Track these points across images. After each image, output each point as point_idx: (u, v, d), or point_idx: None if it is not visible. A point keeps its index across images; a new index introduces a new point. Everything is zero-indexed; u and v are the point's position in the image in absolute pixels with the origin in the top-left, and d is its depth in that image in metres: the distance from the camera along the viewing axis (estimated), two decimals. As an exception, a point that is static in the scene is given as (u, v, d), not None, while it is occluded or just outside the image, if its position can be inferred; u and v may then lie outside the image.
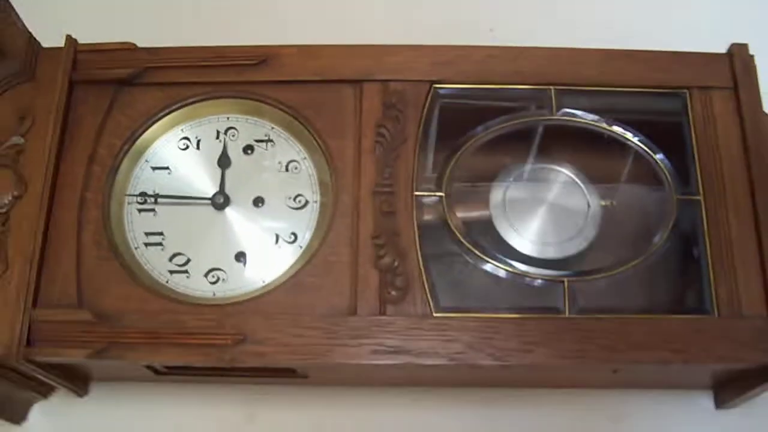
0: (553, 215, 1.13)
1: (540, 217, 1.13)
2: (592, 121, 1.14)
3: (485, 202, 1.14)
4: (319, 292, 1.03)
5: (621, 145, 1.14)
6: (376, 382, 1.17)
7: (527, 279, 1.07)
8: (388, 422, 1.17)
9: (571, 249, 1.10)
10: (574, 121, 1.14)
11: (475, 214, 1.13)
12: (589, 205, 1.13)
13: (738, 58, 1.12)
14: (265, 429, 1.17)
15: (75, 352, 1.01)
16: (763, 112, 1.11)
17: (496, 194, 1.14)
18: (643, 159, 1.13)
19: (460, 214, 1.11)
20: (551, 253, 1.10)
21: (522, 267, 1.08)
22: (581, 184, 1.15)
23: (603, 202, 1.14)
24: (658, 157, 1.12)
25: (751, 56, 1.12)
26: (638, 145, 1.13)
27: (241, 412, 1.18)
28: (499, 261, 1.08)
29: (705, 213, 1.06)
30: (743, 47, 1.13)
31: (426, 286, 1.03)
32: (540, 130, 1.16)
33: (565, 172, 1.15)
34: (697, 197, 1.07)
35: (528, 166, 1.17)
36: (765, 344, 0.99)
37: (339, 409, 1.17)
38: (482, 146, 1.14)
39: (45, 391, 1.17)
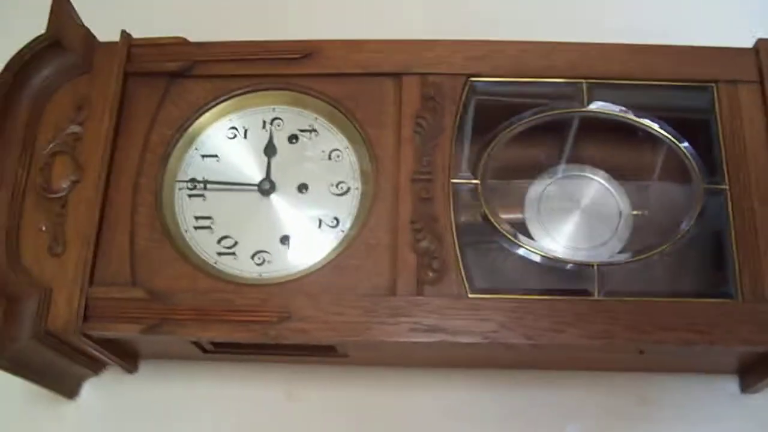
0: (586, 221, 1.17)
1: (573, 222, 1.17)
2: (622, 113, 1.17)
3: (520, 206, 1.19)
4: (359, 273, 1.08)
5: (650, 137, 1.17)
6: (412, 363, 1.21)
7: (559, 263, 1.11)
8: (423, 402, 1.21)
9: (604, 255, 1.14)
10: (605, 114, 1.17)
11: (510, 216, 1.17)
12: (620, 213, 1.17)
13: (764, 53, 1.15)
14: (304, 407, 1.21)
15: (129, 327, 1.05)
16: (788, 104, 1.14)
17: (531, 198, 1.19)
18: (672, 151, 1.16)
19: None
20: (583, 258, 1.13)
21: (554, 252, 1.12)
22: (613, 192, 1.19)
23: (635, 212, 1.18)
24: (684, 145, 1.15)
25: (778, 51, 1.16)
26: (666, 136, 1.16)
27: (282, 390, 1.22)
28: (532, 246, 1.12)
29: (731, 202, 1.09)
30: (769, 42, 1.16)
31: (461, 269, 1.07)
32: (572, 123, 1.20)
33: (597, 180, 1.20)
34: (723, 186, 1.10)
35: (561, 171, 1.21)
36: (787, 327, 1.03)
37: (375, 388, 1.21)
38: (516, 139, 1.18)
39: (97, 367, 1.22)
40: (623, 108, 1.17)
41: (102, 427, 1.22)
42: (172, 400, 1.23)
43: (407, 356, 1.19)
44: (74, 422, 1.23)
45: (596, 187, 1.19)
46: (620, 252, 1.14)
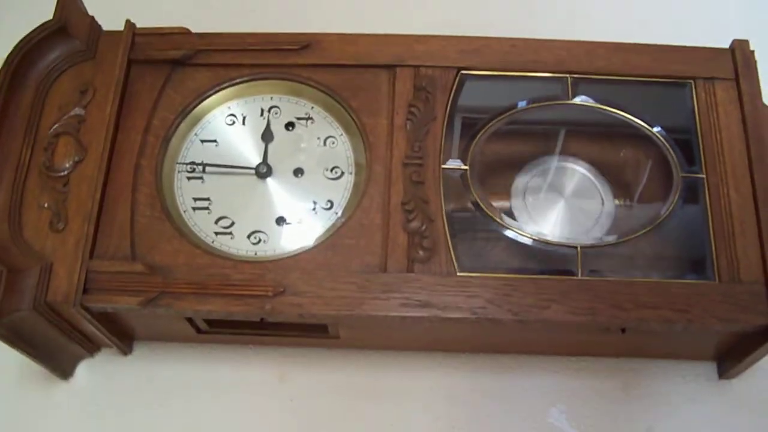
0: (569, 209, 1.22)
1: (557, 210, 1.22)
2: (605, 105, 1.22)
3: (507, 194, 1.23)
4: (352, 251, 1.12)
5: (631, 130, 1.23)
6: (400, 346, 1.24)
7: (544, 245, 1.16)
8: (413, 384, 1.23)
9: (587, 240, 1.18)
10: (588, 106, 1.22)
11: (497, 204, 1.21)
12: (603, 202, 1.22)
13: (740, 53, 1.21)
14: (296, 388, 1.24)
15: (128, 299, 1.08)
16: (762, 101, 1.19)
17: (517, 187, 1.24)
18: (652, 143, 1.22)
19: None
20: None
21: (539, 234, 1.17)
22: (596, 183, 1.24)
23: (616, 201, 1.23)
24: (657, 130, 1.21)
25: (752, 51, 1.21)
26: (641, 124, 1.21)
27: (274, 372, 1.25)
28: (519, 229, 1.17)
29: (707, 189, 1.15)
30: (744, 43, 1.22)
31: (451, 249, 1.11)
32: (557, 117, 1.26)
33: (581, 171, 1.25)
34: (701, 175, 1.16)
35: (547, 162, 1.26)
36: (761, 306, 1.07)
37: (366, 370, 1.24)
38: (504, 131, 1.23)
39: (92, 348, 1.24)
40: (607, 103, 1.22)
41: (95, 408, 1.24)
42: (166, 382, 1.25)
43: (396, 338, 1.22)
44: (68, 402, 1.24)
45: (579, 177, 1.24)
46: (605, 234, 1.19)
